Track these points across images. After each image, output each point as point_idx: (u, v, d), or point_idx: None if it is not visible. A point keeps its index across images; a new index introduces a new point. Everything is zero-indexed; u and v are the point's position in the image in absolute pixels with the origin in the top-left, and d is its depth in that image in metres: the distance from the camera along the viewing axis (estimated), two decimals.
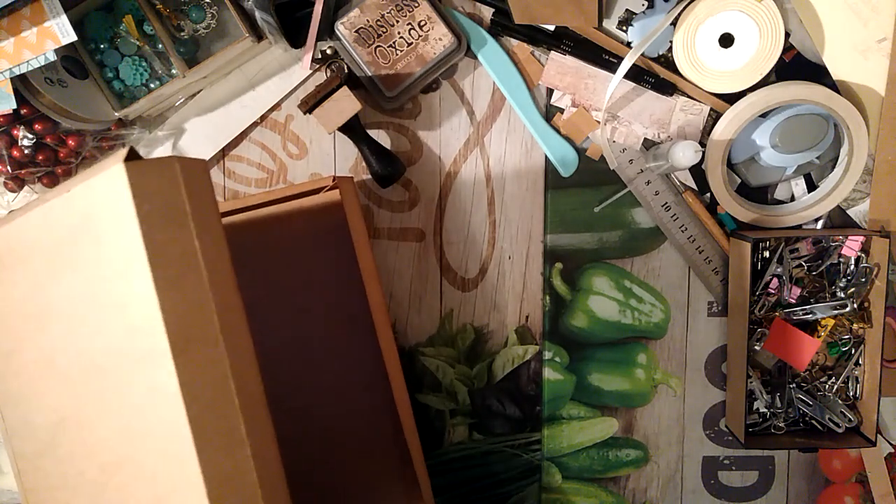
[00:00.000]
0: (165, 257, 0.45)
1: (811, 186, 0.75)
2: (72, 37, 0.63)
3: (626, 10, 0.71)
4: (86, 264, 0.48)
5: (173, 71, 0.70)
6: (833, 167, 0.74)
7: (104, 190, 0.46)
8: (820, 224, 0.75)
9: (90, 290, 0.48)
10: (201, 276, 0.47)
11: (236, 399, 0.48)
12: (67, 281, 0.49)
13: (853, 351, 0.76)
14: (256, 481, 0.48)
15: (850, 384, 0.77)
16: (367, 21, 0.71)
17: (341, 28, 0.71)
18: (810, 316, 0.74)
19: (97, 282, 0.47)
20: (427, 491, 0.72)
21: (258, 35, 0.69)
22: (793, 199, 0.76)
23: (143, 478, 0.49)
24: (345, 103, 0.69)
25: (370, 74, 0.71)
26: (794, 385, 0.77)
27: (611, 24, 0.72)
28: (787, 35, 0.71)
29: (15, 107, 0.65)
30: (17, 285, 0.52)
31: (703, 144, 0.73)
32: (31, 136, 0.68)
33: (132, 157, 0.45)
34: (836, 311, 0.73)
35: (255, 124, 0.76)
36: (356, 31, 0.71)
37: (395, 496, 0.75)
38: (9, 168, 0.70)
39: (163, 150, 0.75)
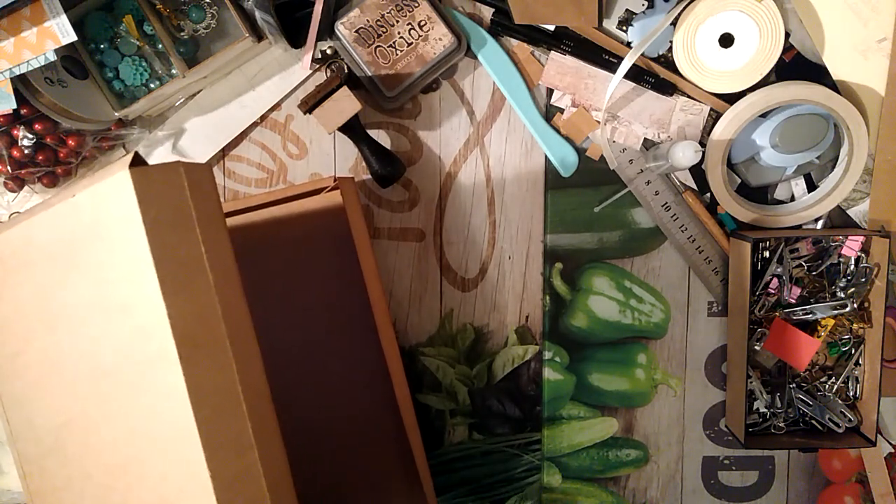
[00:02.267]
0: (172, 262, 0.45)
1: (811, 186, 0.75)
2: (72, 37, 0.63)
3: (626, 10, 0.71)
4: (92, 268, 0.48)
5: (173, 71, 0.70)
6: (833, 167, 0.74)
7: (110, 195, 0.46)
8: (820, 224, 0.75)
9: (96, 293, 0.48)
10: (208, 280, 0.48)
11: (244, 402, 0.48)
12: (73, 285, 0.49)
13: (853, 351, 0.76)
14: (264, 484, 0.49)
15: (850, 384, 0.77)
16: (367, 21, 0.71)
17: (341, 28, 0.71)
18: (810, 316, 0.74)
19: (104, 286, 0.48)
20: (429, 487, 0.72)
21: (258, 35, 0.69)
22: (793, 199, 0.76)
23: (151, 480, 0.49)
24: (345, 103, 0.69)
25: (370, 74, 0.71)
26: (794, 385, 0.77)
27: (611, 24, 0.72)
28: (787, 35, 0.71)
29: (15, 107, 0.65)
30: (22, 288, 0.52)
31: (703, 144, 0.73)
32: (31, 136, 0.68)
33: (137, 162, 0.45)
34: (836, 311, 0.73)
35: (255, 124, 0.76)
36: (356, 31, 0.71)
37: (398, 492, 0.75)
38: (9, 168, 0.70)
39: (163, 150, 0.75)
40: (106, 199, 0.46)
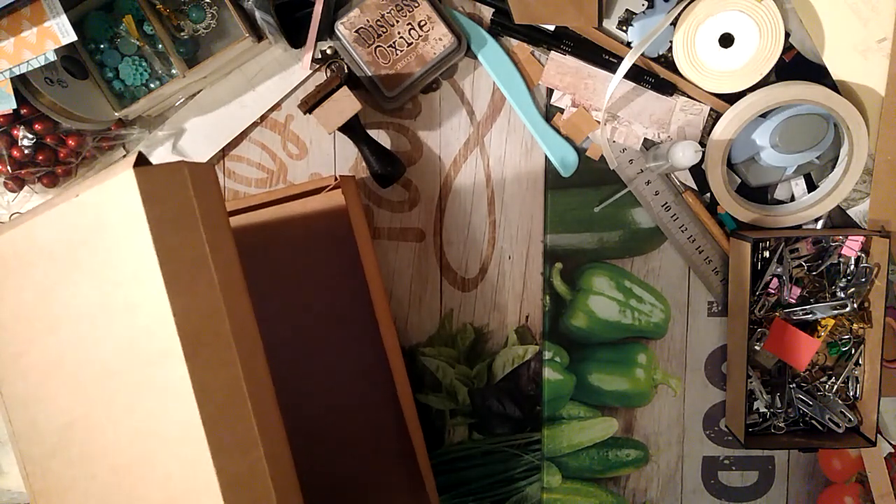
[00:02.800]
0: (176, 261, 0.45)
1: (811, 186, 0.75)
2: (72, 37, 0.63)
3: (626, 10, 0.71)
4: (96, 268, 0.48)
5: (173, 71, 0.70)
6: (833, 167, 0.74)
7: (114, 195, 0.46)
8: (820, 224, 0.75)
9: (100, 293, 0.48)
10: (212, 279, 0.48)
11: (249, 400, 0.48)
12: (76, 285, 0.49)
13: (853, 351, 0.76)
14: (270, 482, 0.49)
15: (850, 384, 0.77)
16: (367, 21, 0.71)
17: (341, 28, 0.71)
18: (810, 316, 0.74)
19: (107, 286, 0.48)
20: (431, 484, 0.72)
21: (258, 35, 0.69)
22: (793, 199, 0.76)
23: (156, 479, 0.49)
24: (345, 103, 0.69)
25: (370, 74, 0.71)
26: (794, 385, 0.77)
27: (611, 24, 0.72)
28: (787, 35, 0.71)
29: (15, 107, 0.65)
30: (25, 289, 0.53)
31: (703, 144, 0.73)
32: (31, 136, 0.68)
33: (141, 162, 0.45)
34: (836, 311, 0.73)
35: (255, 124, 0.76)
36: (356, 31, 0.71)
37: (400, 489, 0.75)
38: (9, 168, 0.70)
39: (163, 150, 0.75)
40: (110, 199, 0.46)
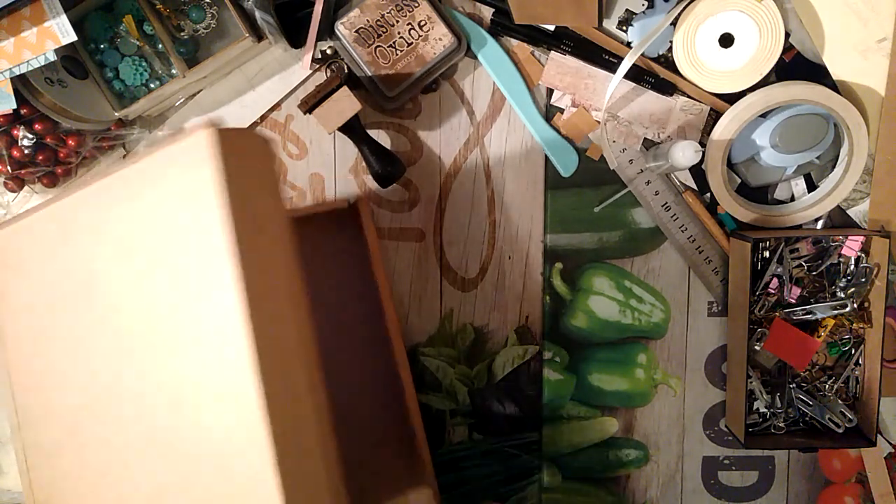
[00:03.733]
0: (246, 221, 0.46)
1: (811, 186, 0.75)
2: (72, 37, 0.63)
3: (626, 10, 0.71)
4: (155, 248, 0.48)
5: (173, 71, 0.70)
6: (833, 167, 0.74)
7: (183, 156, 0.46)
8: (820, 224, 0.75)
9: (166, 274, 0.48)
10: (275, 235, 0.50)
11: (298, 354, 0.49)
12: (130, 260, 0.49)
13: (853, 351, 0.76)
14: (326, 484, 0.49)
15: (850, 384, 0.77)
16: (367, 21, 0.71)
17: (341, 28, 0.71)
18: (810, 316, 0.74)
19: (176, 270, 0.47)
20: (430, 474, 0.72)
21: (258, 35, 0.69)
22: (793, 199, 0.76)
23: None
24: (345, 103, 0.69)
25: (370, 74, 0.71)
26: (794, 385, 0.77)
27: (611, 24, 0.72)
28: (787, 35, 0.71)
29: (15, 107, 0.65)
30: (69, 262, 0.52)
31: (703, 144, 0.73)
32: (31, 136, 0.68)
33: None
34: (836, 311, 0.73)
35: (255, 124, 0.76)
36: (356, 31, 0.71)
37: (401, 488, 0.75)
38: (9, 168, 0.70)
39: None
40: (176, 162, 0.46)
